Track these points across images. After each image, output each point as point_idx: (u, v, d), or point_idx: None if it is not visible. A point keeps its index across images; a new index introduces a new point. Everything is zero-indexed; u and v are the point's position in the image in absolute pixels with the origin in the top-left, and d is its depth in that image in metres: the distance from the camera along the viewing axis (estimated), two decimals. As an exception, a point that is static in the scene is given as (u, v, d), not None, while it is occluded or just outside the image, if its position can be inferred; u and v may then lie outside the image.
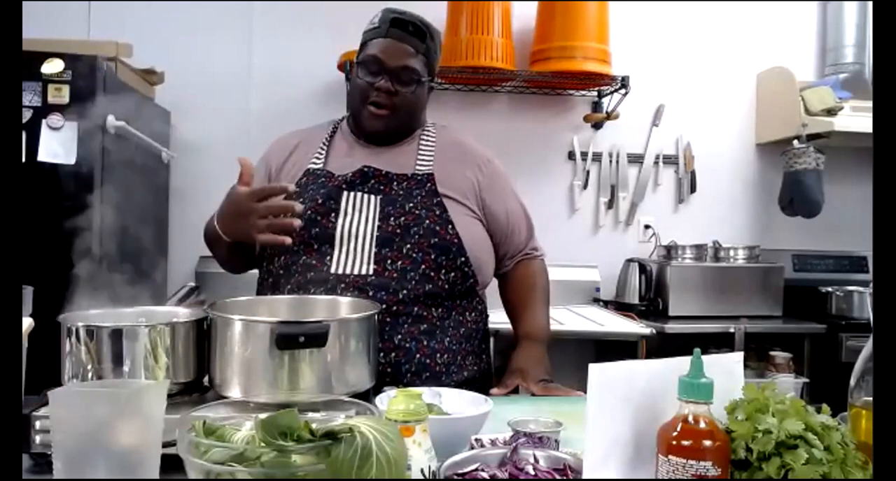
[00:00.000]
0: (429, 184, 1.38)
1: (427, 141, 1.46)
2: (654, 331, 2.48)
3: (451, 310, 1.36)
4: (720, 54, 3.25)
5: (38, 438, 0.87)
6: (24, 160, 2.02)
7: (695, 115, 3.24)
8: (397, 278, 1.29)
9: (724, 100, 3.26)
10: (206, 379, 1.01)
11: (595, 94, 3.13)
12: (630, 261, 3.00)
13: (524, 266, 1.52)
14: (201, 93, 2.89)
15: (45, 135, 2.05)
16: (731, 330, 2.67)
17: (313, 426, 0.66)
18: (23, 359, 0.90)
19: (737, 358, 0.81)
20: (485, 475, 0.77)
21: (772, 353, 2.70)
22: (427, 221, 1.33)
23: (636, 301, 2.90)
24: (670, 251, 2.95)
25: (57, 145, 2.05)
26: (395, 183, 1.37)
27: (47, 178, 2.05)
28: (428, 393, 0.95)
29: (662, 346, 2.45)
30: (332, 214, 1.33)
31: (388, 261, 1.30)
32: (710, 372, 0.69)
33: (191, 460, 0.66)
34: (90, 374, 0.92)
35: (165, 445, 0.72)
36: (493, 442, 0.89)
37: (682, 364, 0.71)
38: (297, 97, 2.98)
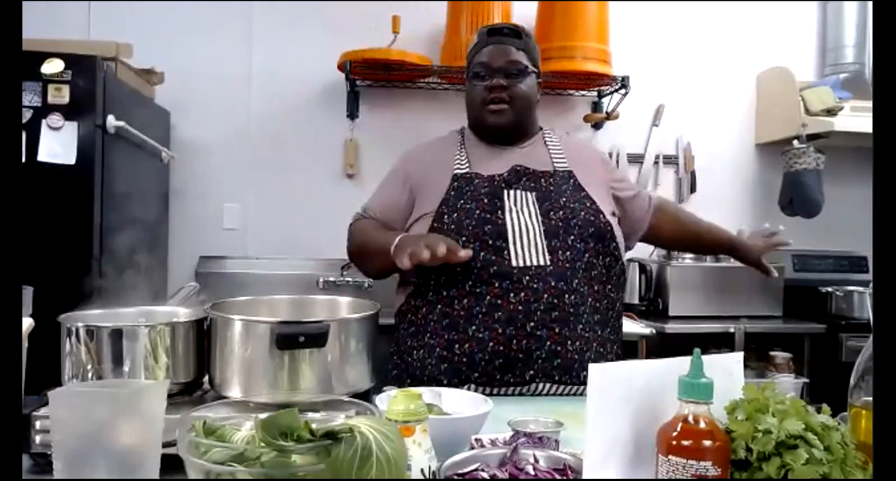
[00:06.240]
0: (572, 180, 1.48)
1: (553, 141, 1.57)
2: (654, 331, 2.48)
3: (602, 296, 1.44)
4: (720, 54, 3.25)
5: (38, 438, 0.87)
6: (24, 160, 2.02)
7: (695, 115, 3.24)
8: (569, 268, 1.36)
9: (724, 100, 3.26)
10: (206, 379, 1.01)
11: (595, 94, 3.13)
12: (630, 261, 3.00)
13: (661, 209, 1.64)
14: (201, 93, 2.89)
15: (45, 135, 2.05)
16: (731, 330, 2.66)
17: (313, 426, 0.66)
18: (23, 359, 0.90)
19: (737, 358, 0.81)
20: (485, 475, 0.77)
21: (772, 353, 2.70)
22: (582, 213, 1.42)
23: (636, 301, 2.89)
24: (670, 251, 2.95)
25: (57, 145, 2.05)
26: (542, 180, 1.46)
27: (47, 178, 2.05)
28: (428, 394, 0.95)
29: (662, 346, 2.46)
30: (499, 211, 1.40)
31: (559, 252, 1.37)
32: (710, 372, 0.69)
33: (191, 460, 0.66)
34: (90, 374, 0.93)
35: (165, 445, 0.72)
36: (493, 442, 0.89)
37: (682, 364, 0.71)
38: (297, 97, 2.98)
